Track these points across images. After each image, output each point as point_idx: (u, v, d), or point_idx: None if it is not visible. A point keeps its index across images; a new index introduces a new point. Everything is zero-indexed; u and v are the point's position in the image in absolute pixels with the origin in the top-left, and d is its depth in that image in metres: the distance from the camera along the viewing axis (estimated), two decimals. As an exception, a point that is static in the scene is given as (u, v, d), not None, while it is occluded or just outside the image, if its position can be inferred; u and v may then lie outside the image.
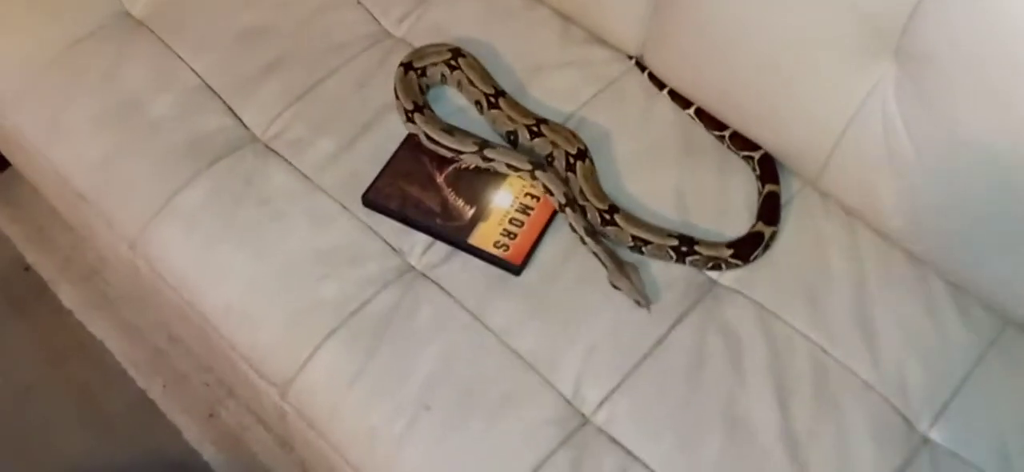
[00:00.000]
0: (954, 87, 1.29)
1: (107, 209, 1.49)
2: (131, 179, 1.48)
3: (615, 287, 1.38)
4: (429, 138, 1.47)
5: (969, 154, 1.31)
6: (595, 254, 1.40)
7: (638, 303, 1.36)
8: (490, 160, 1.46)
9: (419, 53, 1.56)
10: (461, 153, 1.46)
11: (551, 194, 1.43)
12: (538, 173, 1.44)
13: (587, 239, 1.40)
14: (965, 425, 1.32)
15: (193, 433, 1.81)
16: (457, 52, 1.56)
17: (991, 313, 1.40)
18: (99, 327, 1.93)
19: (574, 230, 1.41)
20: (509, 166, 1.46)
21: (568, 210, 1.41)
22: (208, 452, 1.79)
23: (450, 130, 1.48)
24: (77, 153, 1.53)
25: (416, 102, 1.49)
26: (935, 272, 1.43)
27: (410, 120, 1.49)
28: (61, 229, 1.99)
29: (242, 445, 1.80)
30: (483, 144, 1.47)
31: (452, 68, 1.55)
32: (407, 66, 1.53)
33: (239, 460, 1.79)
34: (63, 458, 1.79)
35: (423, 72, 1.54)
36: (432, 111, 1.51)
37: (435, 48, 1.57)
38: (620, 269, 1.37)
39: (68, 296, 1.96)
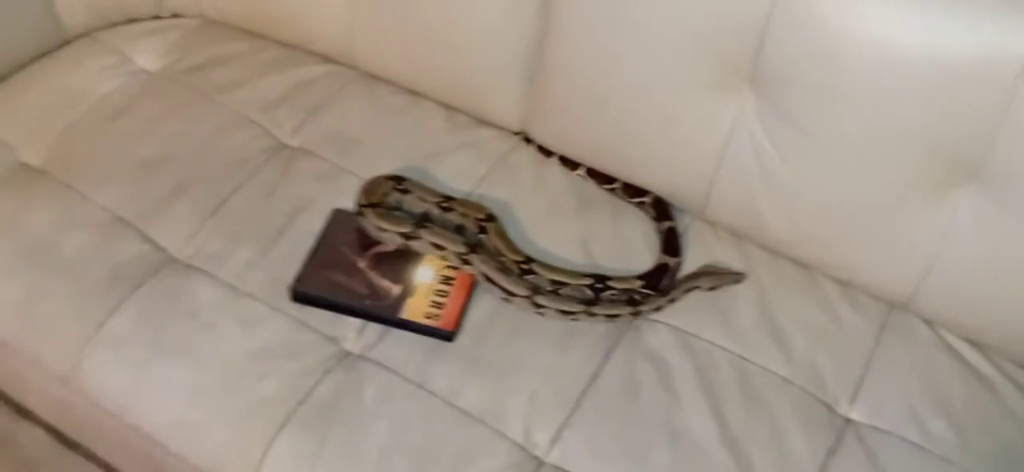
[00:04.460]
0: (806, 100, 1.37)
1: (34, 350, 1.39)
2: (55, 316, 1.39)
3: (714, 288, 1.45)
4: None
5: (829, 156, 1.39)
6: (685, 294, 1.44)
7: (737, 281, 1.45)
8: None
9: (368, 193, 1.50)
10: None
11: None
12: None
13: (675, 295, 1.43)
14: (878, 400, 1.37)
15: None
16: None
17: (876, 300, 1.47)
18: (20, 494, 1.79)
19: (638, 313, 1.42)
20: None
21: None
22: None
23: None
24: (-6, 301, 1.44)
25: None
26: (821, 273, 1.50)
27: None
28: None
29: None
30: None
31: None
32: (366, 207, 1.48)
33: None
34: None
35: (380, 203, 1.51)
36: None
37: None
38: (704, 278, 1.45)
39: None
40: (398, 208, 1.51)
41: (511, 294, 1.40)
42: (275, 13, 1.80)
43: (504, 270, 1.41)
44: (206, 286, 1.42)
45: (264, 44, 1.82)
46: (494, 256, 1.43)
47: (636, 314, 1.41)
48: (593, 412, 1.32)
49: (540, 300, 1.39)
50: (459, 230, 1.49)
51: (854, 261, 1.47)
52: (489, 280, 1.41)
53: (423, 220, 1.46)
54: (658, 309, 1.43)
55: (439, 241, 1.43)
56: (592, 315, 1.40)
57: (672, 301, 1.43)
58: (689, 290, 1.44)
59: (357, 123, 1.67)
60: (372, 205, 1.45)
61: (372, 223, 1.45)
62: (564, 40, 1.53)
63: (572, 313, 1.40)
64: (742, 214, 1.51)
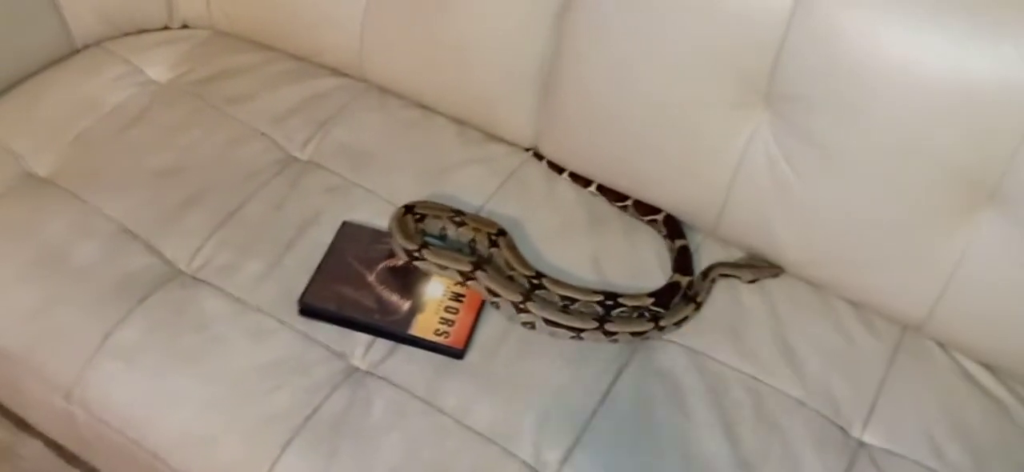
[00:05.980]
0: (823, 118, 1.36)
1: (37, 362, 1.36)
2: (60, 328, 1.36)
3: (754, 281, 1.47)
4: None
5: (845, 175, 1.37)
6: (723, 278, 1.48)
7: (775, 275, 1.47)
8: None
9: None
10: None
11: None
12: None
13: (714, 276, 1.47)
14: (893, 423, 1.34)
15: None
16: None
17: (891, 322, 1.45)
18: (20, 505, 1.76)
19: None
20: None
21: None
22: None
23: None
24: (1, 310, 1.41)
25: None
26: (835, 294, 1.48)
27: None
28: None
29: None
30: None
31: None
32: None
33: None
34: None
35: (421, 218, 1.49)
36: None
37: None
38: (745, 270, 1.47)
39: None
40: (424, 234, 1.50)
41: (580, 331, 1.37)
42: (286, 25, 1.79)
43: (567, 311, 1.39)
44: (214, 299, 1.39)
45: (275, 56, 1.80)
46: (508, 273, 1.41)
47: (699, 307, 1.42)
48: (604, 432, 1.30)
49: (610, 327, 1.37)
50: (471, 245, 1.47)
51: (869, 282, 1.44)
52: (552, 324, 1.37)
53: (481, 261, 1.43)
54: (709, 293, 1.45)
55: (494, 286, 1.40)
56: (661, 328, 1.39)
57: (713, 282, 1.45)
58: (727, 276, 1.46)
59: (368, 137, 1.65)
60: (422, 246, 1.42)
61: (434, 264, 1.42)
62: (577, 57, 1.51)
63: (643, 332, 1.39)
64: (755, 233, 1.49)
